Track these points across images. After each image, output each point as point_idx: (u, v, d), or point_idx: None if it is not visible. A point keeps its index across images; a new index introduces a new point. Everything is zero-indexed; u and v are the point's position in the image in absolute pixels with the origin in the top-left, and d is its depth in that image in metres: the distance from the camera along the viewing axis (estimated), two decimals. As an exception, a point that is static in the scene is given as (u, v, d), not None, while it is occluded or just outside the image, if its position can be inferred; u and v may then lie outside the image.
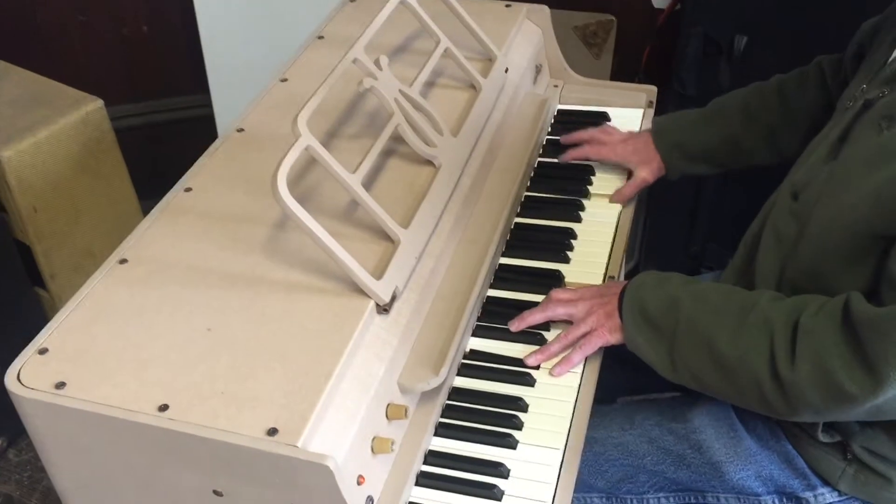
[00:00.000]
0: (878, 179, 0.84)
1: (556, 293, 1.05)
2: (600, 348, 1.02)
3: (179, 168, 1.12)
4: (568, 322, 1.03)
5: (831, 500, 0.97)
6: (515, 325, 1.04)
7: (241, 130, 1.19)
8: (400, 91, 1.09)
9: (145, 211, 1.04)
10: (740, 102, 1.23)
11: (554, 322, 1.05)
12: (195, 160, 1.14)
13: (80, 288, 0.94)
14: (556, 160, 1.33)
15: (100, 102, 1.75)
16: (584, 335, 1.01)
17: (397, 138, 1.11)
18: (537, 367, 1.02)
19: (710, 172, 1.28)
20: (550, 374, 1.01)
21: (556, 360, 1.02)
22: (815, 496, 0.97)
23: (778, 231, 0.99)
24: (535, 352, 1.02)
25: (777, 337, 0.87)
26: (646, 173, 1.25)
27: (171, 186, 1.09)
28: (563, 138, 1.33)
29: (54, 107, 1.72)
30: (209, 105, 2.19)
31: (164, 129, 2.31)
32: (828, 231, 0.89)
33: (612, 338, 1.00)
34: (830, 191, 0.91)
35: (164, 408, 0.81)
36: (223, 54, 2.11)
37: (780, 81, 1.22)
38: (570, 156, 1.31)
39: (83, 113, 1.73)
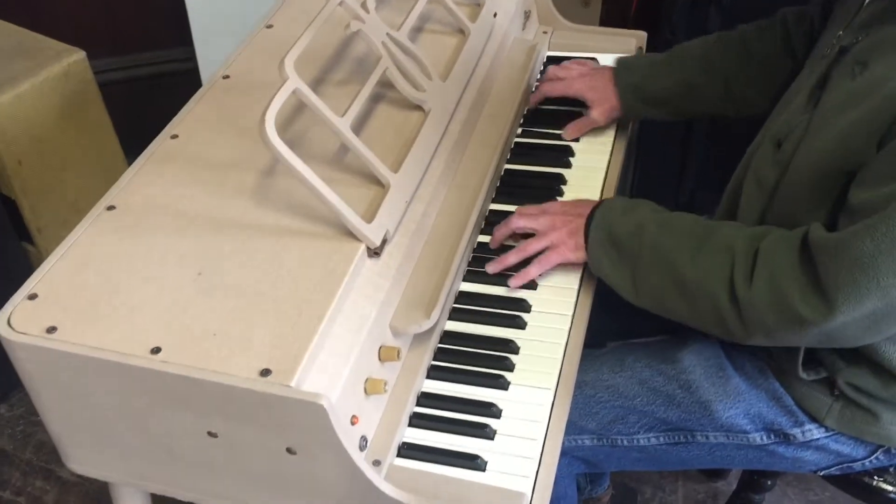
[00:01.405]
0: (845, 121, 0.86)
1: (521, 208, 1.07)
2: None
3: (164, 123, 1.11)
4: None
5: (818, 436, 0.99)
6: (493, 243, 1.07)
7: (226, 77, 1.18)
8: (388, 35, 1.08)
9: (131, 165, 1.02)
10: (701, 50, 1.23)
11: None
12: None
13: (68, 240, 0.94)
14: (545, 107, 1.32)
15: (82, 54, 1.73)
16: (545, 249, 1.02)
17: (385, 84, 1.09)
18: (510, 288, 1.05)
19: (666, 118, 1.27)
20: (508, 284, 1.03)
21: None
22: (802, 432, 0.99)
23: (760, 178, 0.99)
24: (493, 261, 1.05)
25: (737, 260, 0.88)
26: (597, 114, 1.24)
27: (156, 143, 1.08)
28: (532, 96, 1.32)
29: (36, 59, 1.70)
30: (193, 58, 2.16)
31: (147, 84, 2.28)
32: (803, 176, 0.90)
33: (572, 256, 1.02)
34: (808, 137, 0.92)
35: (156, 350, 0.81)
36: (206, 6, 2.07)
37: (742, 31, 1.22)
38: (537, 97, 1.30)
39: (65, 65, 1.71)
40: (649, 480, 1.66)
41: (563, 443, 0.92)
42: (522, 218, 1.05)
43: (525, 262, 1.04)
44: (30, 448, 1.74)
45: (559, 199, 1.17)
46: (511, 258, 1.04)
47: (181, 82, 2.19)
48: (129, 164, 1.03)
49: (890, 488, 1.05)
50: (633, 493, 1.62)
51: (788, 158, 0.93)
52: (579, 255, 1.01)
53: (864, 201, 0.82)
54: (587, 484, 1.50)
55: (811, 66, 1.03)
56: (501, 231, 1.06)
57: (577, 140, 1.27)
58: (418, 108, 1.10)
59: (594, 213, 1.01)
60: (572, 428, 1.04)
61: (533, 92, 1.33)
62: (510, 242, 1.09)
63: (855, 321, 0.82)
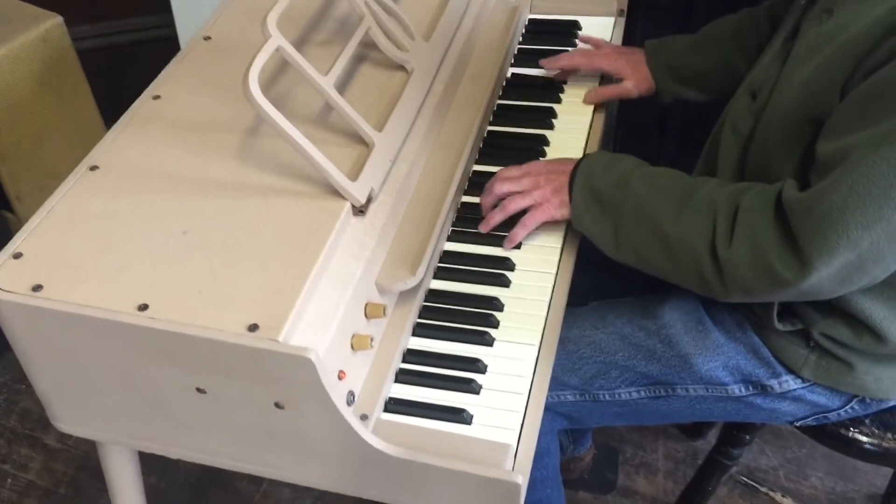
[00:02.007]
0: (809, 67, 0.88)
1: (503, 171, 1.07)
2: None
3: (141, 91, 1.09)
4: None
5: (795, 387, 1.01)
6: (483, 228, 1.07)
7: (207, 38, 1.17)
8: (370, -6, 1.08)
9: None
10: (733, 27, 1.23)
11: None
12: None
13: (50, 205, 0.93)
14: (529, 71, 1.33)
15: (59, 19, 1.70)
16: (529, 208, 1.03)
17: (368, 44, 1.09)
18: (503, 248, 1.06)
19: (700, 98, 1.27)
20: (504, 247, 1.05)
21: (529, 255, 1.04)
22: (779, 383, 1.01)
23: (736, 128, 1.01)
24: (482, 222, 1.06)
25: (719, 218, 0.90)
26: (632, 85, 1.24)
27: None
28: (548, 61, 1.29)
29: (12, 24, 1.67)
30: (172, 25, 2.13)
31: (125, 51, 2.26)
32: (774, 125, 0.92)
33: (557, 213, 1.03)
34: (778, 87, 0.93)
35: (143, 307, 0.81)
36: (185, -28, 2.04)
37: (771, 5, 1.22)
38: (561, 63, 1.27)
39: (42, 30, 1.68)
40: (630, 440, 1.69)
41: (547, 399, 0.93)
42: (506, 182, 1.05)
43: (512, 222, 1.05)
44: (14, 416, 1.74)
45: (541, 159, 1.18)
46: (497, 217, 1.04)
47: (160, 49, 2.16)
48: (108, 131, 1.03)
49: (865, 439, 1.08)
50: (615, 452, 1.65)
51: (762, 108, 0.95)
52: (564, 213, 1.02)
53: (828, 154, 0.83)
54: (570, 444, 1.53)
55: (787, 16, 1.04)
56: (487, 199, 1.06)
57: (559, 103, 1.27)
58: (401, 68, 1.10)
59: (577, 169, 1.01)
60: (555, 384, 1.05)
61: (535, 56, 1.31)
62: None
63: (829, 276, 0.84)
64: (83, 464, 1.66)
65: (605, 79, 1.30)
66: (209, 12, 1.26)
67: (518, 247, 1.06)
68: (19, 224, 1.75)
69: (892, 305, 0.92)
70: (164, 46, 2.15)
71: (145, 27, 2.23)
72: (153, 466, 1.59)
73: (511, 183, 1.05)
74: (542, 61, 1.29)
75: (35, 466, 1.65)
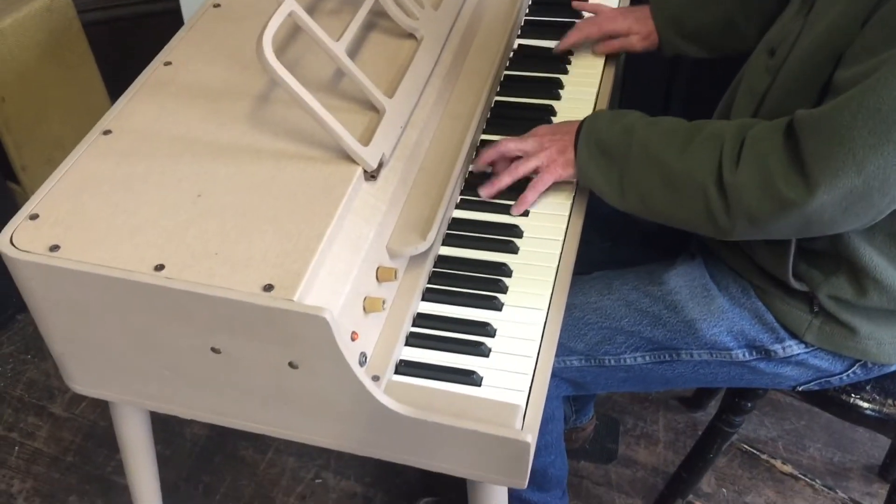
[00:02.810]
0: (835, 12, 0.87)
1: (507, 139, 1.08)
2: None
3: (146, 63, 1.10)
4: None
5: (798, 352, 1.02)
6: (474, 165, 1.08)
7: (217, 6, 1.18)
8: (380, -38, 1.08)
9: None
10: None
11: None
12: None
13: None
14: (536, 42, 1.33)
15: (64, -11, 1.71)
16: (536, 170, 1.04)
17: (378, 13, 1.10)
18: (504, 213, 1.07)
19: (702, 55, 1.27)
20: (511, 213, 1.06)
21: (536, 223, 1.05)
22: (783, 348, 1.03)
23: (752, 87, 1.01)
24: (486, 184, 1.07)
25: (725, 147, 0.90)
26: (637, 39, 1.26)
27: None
28: (560, 43, 1.30)
29: (17, -6, 1.67)
30: (175, -2, 2.13)
31: (129, 24, 2.25)
32: (794, 74, 0.92)
33: (564, 173, 1.04)
34: (801, 40, 0.93)
35: (159, 268, 0.83)
36: (188, -57, 2.04)
37: None
38: (572, 40, 1.28)
39: (48, 1, 1.68)
40: (631, 411, 1.71)
41: (553, 364, 0.94)
42: (512, 141, 1.07)
43: (515, 188, 1.06)
44: (20, 385, 1.76)
45: (548, 130, 1.19)
46: (504, 180, 1.06)
47: (163, 22, 2.16)
48: (113, 102, 1.03)
49: (865, 405, 1.10)
50: (616, 423, 1.67)
51: (780, 63, 0.95)
52: (570, 171, 1.04)
53: (846, 79, 0.83)
54: (572, 413, 1.55)
55: None
56: (489, 153, 1.08)
57: (566, 73, 1.28)
58: (411, 36, 1.11)
59: (582, 125, 1.03)
60: (561, 349, 1.07)
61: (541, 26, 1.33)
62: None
63: (833, 201, 0.84)
64: (90, 432, 1.67)
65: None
66: (212, -15, 1.27)
67: (525, 214, 1.07)
68: (25, 195, 1.77)
69: None
70: (167, 19, 2.15)
71: (148, 0, 2.23)
72: (158, 436, 1.60)
73: (516, 142, 1.06)
74: (555, 47, 1.30)
75: (42, 435, 1.67)
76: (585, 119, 1.04)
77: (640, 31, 1.26)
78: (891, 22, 0.81)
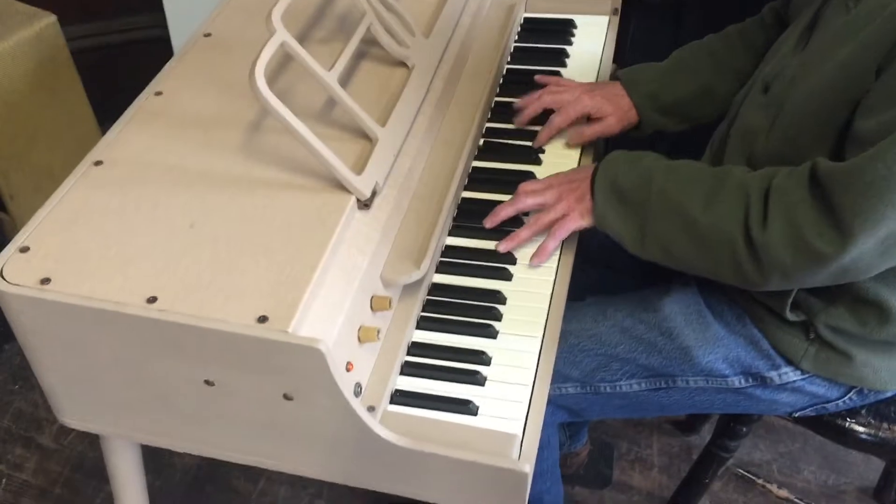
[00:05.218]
0: (846, 51, 0.87)
1: (525, 185, 1.06)
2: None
3: (135, 92, 1.09)
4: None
5: (794, 379, 1.02)
6: (490, 222, 1.06)
7: (207, 35, 1.18)
8: (371, -9, 1.09)
9: (105, 134, 1.01)
10: (705, 50, 1.22)
11: (526, 215, 1.07)
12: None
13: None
14: (522, 67, 1.34)
15: (53, 18, 1.71)
16: (556, 221, 1.03)
17: (369, 41, 1.10)
18: (513, 261, 1.05)
19: (680, 128, 1.24)
20: (530, 263, 1.04)
21: (529, 250, 1.05)
22: (779, 375, 1.02)
23: (747, 126, 1.01)
24: (505, 238, 1.05)
25: (752, 201, 0.89)
26: (615, 120, 1.20)
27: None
28: (519, 103, 1.23)
29: (6, 23, 1.67)
30: (164, 25, 2.13)
31: (117, 51, 2.25)
32: (799, 114, 0.92)
33: (583, 221, 1.02)
34: (802, 75, 0.93)
35: (152, 300, 0.82)
36: (177, -29, 2.04)
37: (739, 26, 1.22)
38: (545, 138, 1.20)
39: (36, 29, 1.68)
40: (625, 436, 1.71)
41: (548, 391, 0.94)
42: (530, 196, 1.04)
43: (515, 221, 1.05)
44: (8, 416, 1.73)
45: (540, 156, 1.19)
46: (524, 234, 1.04)
47: (152, 49, 2.16)
48: (102, 131, 1.03)
49: (861, 429, 1.10)
50: (610, 447, 1.67)
51: (778, 100, 0.95)
52: (589, 220, 1.01)
53: (871, 129, 0.83)
54: (566, 439, 1.54)
55: (798, 15, 1.05)
56: (507, 210, 1.05)
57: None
58: (402, 64, 1.11)
59: (597, 171, 1.01)
60: (557, 377, 1.06)
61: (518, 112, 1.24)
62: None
63: (870, 249, 0.83)
64: (78, 463, 1.65)
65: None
66: (201, 12, 1.27)
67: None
68: (12, 223, 1.75)
69: None
70: (156, 46, 2.15)
71: (137, 27, 2.23)
72: (148, 466, 1.58)
73: (535, 197, 1.04)
74: (515, 120, 1.22)
75: (30, 466, 1.65)
76: (601, 163, 1.02)
77: (614, 113, 1.20)
78: None
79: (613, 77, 1.26)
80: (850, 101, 0.87)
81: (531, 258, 1.03)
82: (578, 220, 1.02)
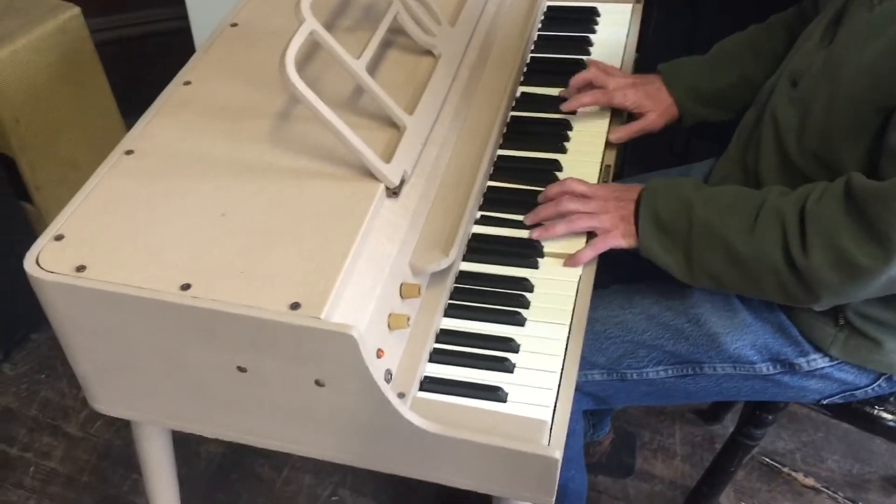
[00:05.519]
0: (872, 52, 0.87)
1: (572, 183, 1.05)
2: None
3: (157, 84, 1.10)
4: None
5: (823, 365, 1.02)
6: (530, 219, 1.06)
7: (234, 25, 1.18)
8: (397, -20, 1.09)
9: (128, 125, 1.02)
10: (746, 41, 1.22)
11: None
12: (173, 76, 1.10)
13: (66, 200, 0.93)
14: (547, 55, 1.34)
15: (77, 10, 1.72)
16: (595, 228, 1.02)
17: (395, 30, 1.10)
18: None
19: (721, 118, 1.24)
20: (565, 265, 1.03)
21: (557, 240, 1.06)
22: (807, 361, 1.02)
23: (777, 119, 1.01)
24: (540, 227, 1.05)
25: (788, 227, 0.89)
26: (656, 116, 1.21)
27: (150, 103, 1.06)
28: (566, 104, 1.23)
29: (30, 15, 1.68)
30: (185, 17, 2.14)
31: (138, 43, 2.26)
32: (829, 112, 0.91)
33: (624, 242, 1.01)
34: (828, 72, 0.93)
35: (186, 287, 0.83)
36: (198, -37, 2.05)
37: (781, 15, 1.22)
38: (578, 102, 1.22)
39: (60, 21, 1.70)
40: (647, 425, 1.71)
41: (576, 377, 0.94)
42: (573, 201, 1.04)
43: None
44: (35, 405, 1.75)
45: (565, 144, 1.19)
46: (560, 229, 1.03)
47: (173, 41, 2.18)
48: (125, 122, 1.03)
49: (889, 416, 1.10)
50: (632, 437, 1.67)
51: (807, 98, 0.95)
52: (630, 242, 1.01)
53: None
54: (589, 428, 1.54)
55: (826, 6, 1.04)
56: (549, 210, 1.05)
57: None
58: (428, 53, 1.12)
59: (641, 199, 1.00)
60: (583, 363, 1.07)
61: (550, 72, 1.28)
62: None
63: None
64: (105, 451, 1.67)
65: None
66: (221, 4, 1.27)
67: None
68: (38, 214, 1.77)
69: None
70: (177, 38, 2.16)
71: (159, 19, 2.24)
72: (174, 454, 1.61)
73: (578, 202, 1.03)
74: (562, 105, 1.23)
75: (57, 455, 1.67)
76: (643, 192, 1.01)
77: (655, 108, 1.21)
78: None
79: (651, 71, 1.26)
80: (880, 109, 0.87)
81: (566, 260, 1.03)
82: (620, 240, 1.01)
